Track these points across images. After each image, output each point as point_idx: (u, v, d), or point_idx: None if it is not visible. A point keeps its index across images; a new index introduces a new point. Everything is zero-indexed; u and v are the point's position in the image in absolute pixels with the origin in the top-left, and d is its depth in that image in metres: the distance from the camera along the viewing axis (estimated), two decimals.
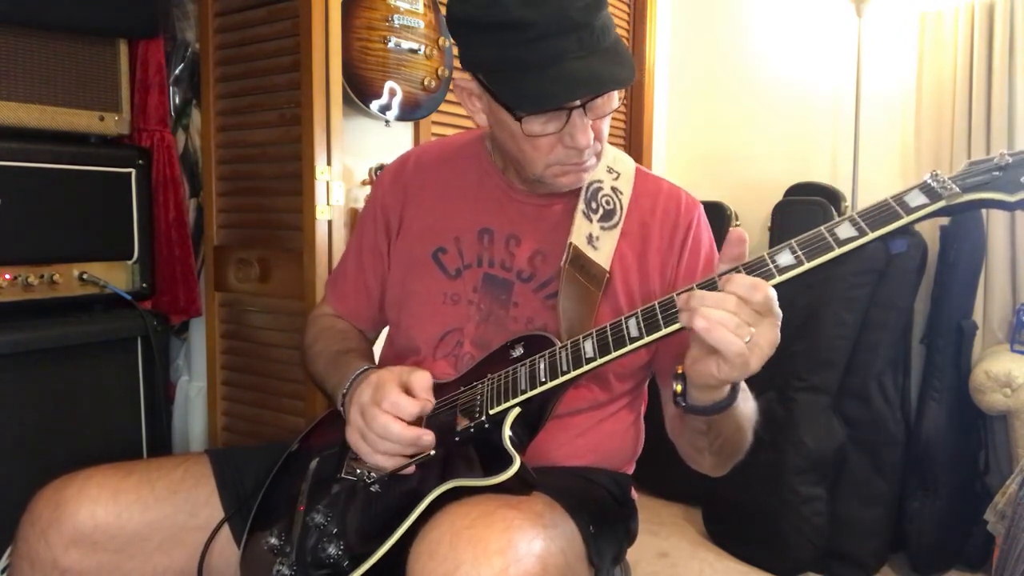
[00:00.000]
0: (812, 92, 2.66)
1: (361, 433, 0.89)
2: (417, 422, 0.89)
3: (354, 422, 0.90)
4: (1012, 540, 1.39)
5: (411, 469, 0.88)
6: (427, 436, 0.87)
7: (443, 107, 1.83)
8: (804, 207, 2.38)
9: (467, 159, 1.13)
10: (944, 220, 2.27)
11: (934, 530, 2.08)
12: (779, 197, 2.56)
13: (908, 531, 2.11)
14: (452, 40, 0.96)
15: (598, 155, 1.00)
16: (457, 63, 1.86)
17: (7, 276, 1.40)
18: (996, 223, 2.24)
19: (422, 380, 0.90)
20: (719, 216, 2.68)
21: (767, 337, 0.75)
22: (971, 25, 2.23)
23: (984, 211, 2.21)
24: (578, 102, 0.89)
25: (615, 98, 0.94)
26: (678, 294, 0.80)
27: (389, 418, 0.86)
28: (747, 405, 0.90)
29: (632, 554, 1.13)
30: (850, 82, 2.47)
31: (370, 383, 0.90)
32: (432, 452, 0.87)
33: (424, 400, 0.89)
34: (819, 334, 2.16)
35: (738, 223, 2.73)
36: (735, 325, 0.73)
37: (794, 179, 2.60)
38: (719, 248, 0.85)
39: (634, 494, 1.14)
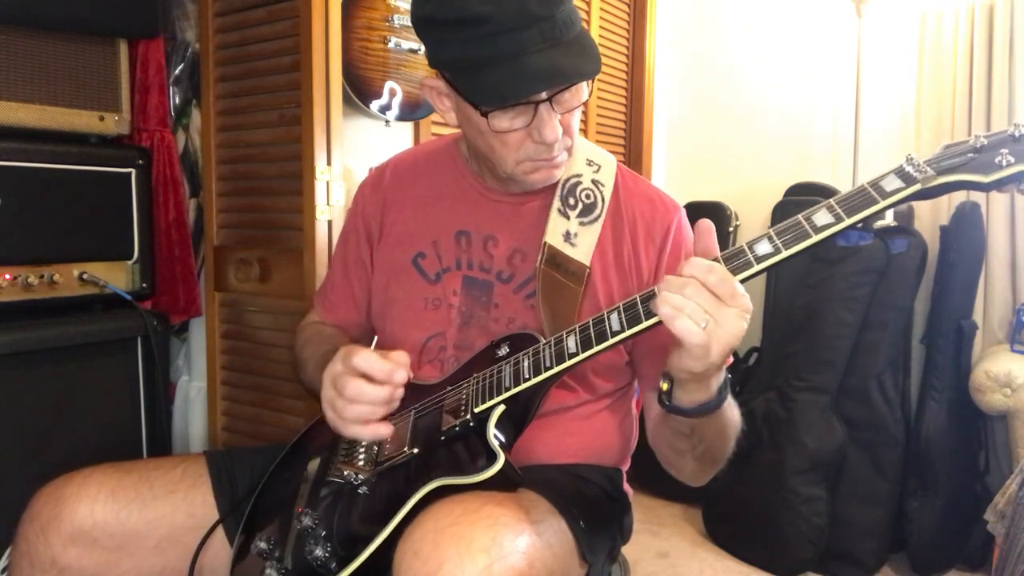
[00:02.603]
0: (812, 92, 2.66)
1: (331, 404, 0.87)
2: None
3: (326, 397, 0.88)
4: (1012, 540, 1.38)
5: (388, 429, 0.87)
6: (399, 391, 0.86)
7: None
8: (804, 207, 2.38)
9: (442, 163, 1.13)
10: (944, 220, 2.27)
11: (934, 530, 2.08)
12: (779, 197, 2.56)
13: (908, 531, 2.11)
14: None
15: (569, 150, 0.99)
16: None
17: (7, 276, 1.40)
18: (996, 223, 2.24)
19: (400, 353, 0.88)
20: (719, 216, 2.68)
21: (728, 328, 0.73)
22: (971, 25, 2.24)
23: (984, 211, 2.22)
24: (544, 95, 0.89)
25: (583, 91, 0.94)
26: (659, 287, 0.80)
27: (361, 381, 0.85)
28: (732, 412, 0.90)
29: (632, 554, 1.12)
30: (850, 82, 2.47)
31: (339, 354, 0.88)
32: (416, 451, 0.87)
33: (399, 364, 0.86)
34: (819, 334, 2.16)
35: (738, 223, 2.73)
36: (691, 310, 0.72)
37: (794, 179, 2.60)
38: None
39: (628, 489, 1.14)
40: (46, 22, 1.45)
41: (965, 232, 2.18)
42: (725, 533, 2.28)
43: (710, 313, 0.73)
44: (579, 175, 1.06)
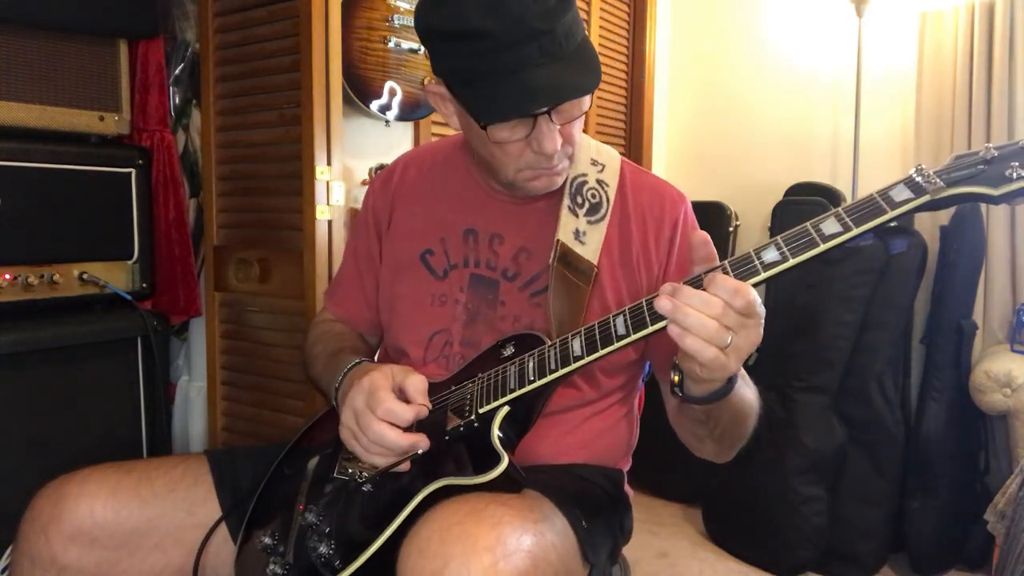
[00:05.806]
0: (812, 92, 2.66)
1: (355, 436, 0.89)
2: (412, 426, 0.89)
3: (348, 425, 0.90)
4: (1012, 540, 1.38)
5: (405, 466, 0.88)
6: (422, 442, 0.87)
7: None
8: (804, 207, 2.38)
9: (452, 162, 1.14)
10: (944, 220, 2.27)
11: (934, 530, 2.08)
12: (779, 197, 2.56)
13: (908, 531, 2.11)
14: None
15: (570, 158, 1.00)
16: None
17: (7, 276, 1.40)
18: (996, 223, 2.23)
19: (417, 384, 0.90)
20: (719, 216, 2.68)
21: (749, 339, 0.75)
22: (971, 25, 2.24)
23: (984, 211, 2.22)
24: (544, 109, 0.89)
25: (585, 102, 0.94)
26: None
27: (384, 426, 0.86)
28: (746, 392, 0.90)
29: (632, 554, 1.13)
30: (850, 82, 2.47)
31: (362, 388, 0.89)
32: (420, 451, 0.88)
33: (419, 406, 0.89)
34: (819, 334, 2.16)
35: (738, 223, 2.73)
36: (713, 331, 0.72)
37: (794, 179, 2.60)
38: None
39: (628, 489, 1.14)
40: (46, 22, 1.45)
41: (965, 232, 2.18)
42: (725, 533, 2.28)
43: (733, 330, 0.73)
44: (584, 175, 1.07)
